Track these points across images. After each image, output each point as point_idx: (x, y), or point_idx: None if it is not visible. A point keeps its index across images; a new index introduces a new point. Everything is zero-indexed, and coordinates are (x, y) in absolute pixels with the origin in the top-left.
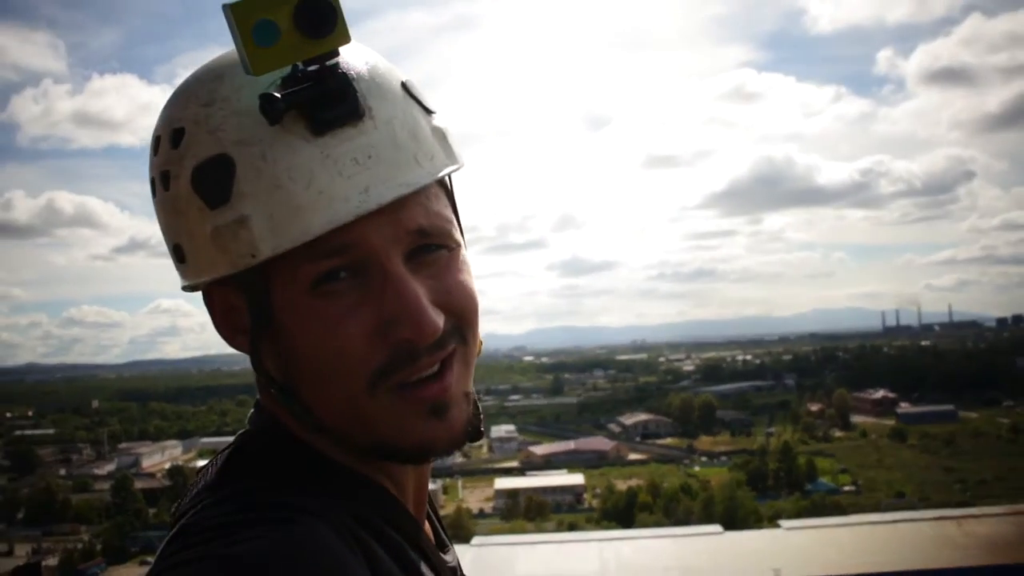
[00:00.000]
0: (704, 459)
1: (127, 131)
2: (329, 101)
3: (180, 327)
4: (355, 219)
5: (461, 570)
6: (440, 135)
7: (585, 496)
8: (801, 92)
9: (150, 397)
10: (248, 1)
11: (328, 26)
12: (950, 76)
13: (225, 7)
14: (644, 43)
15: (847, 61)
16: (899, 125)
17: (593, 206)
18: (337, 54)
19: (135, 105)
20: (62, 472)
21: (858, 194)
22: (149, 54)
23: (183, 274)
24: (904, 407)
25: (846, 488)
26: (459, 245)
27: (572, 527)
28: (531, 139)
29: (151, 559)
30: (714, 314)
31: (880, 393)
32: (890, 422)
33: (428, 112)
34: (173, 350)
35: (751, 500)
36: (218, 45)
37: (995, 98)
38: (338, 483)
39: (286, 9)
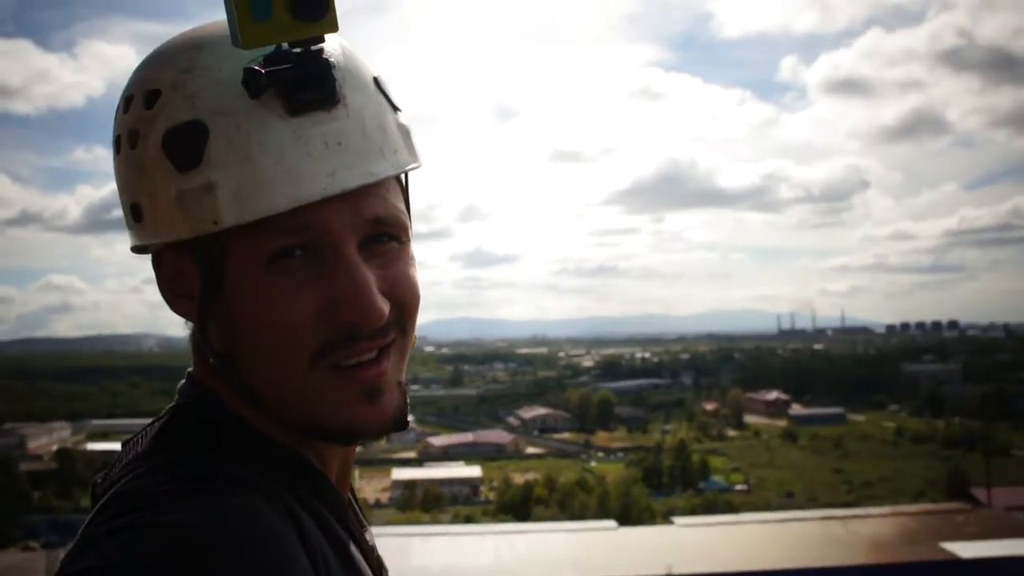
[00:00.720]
0: (601, 455)
1: (21, 98)
2: (308, 84)
3: (72, 304)
4: (319, 200)
5: (376, 550)
6: (404, 132)
7: (482, 489)
8: (707, 94)
9: (38, 376)
10: None
11: (320, 12)
12: (850, 87)
13: None
14: (555, 37)
15: (752, 66)
16: (800, 132)
17: (498, 198)
18: (323, 40)
19: (30, 72)
20: None
21: (758, 197)
22: (47, 19)
23: (137, 234)
24: (796, 409)
25: (738, 487)
26: (409, 239)
27: (468, 519)
28: (439, 127)
29: (34, 544)
30: (615, 311)
31: (773, 394)
32: (782, 423)
33: (395, 109)
34: (64, 328)
35: (646, 497)
36: (120, 14)
37: (891, 110)
38: (270, 457)
39: None
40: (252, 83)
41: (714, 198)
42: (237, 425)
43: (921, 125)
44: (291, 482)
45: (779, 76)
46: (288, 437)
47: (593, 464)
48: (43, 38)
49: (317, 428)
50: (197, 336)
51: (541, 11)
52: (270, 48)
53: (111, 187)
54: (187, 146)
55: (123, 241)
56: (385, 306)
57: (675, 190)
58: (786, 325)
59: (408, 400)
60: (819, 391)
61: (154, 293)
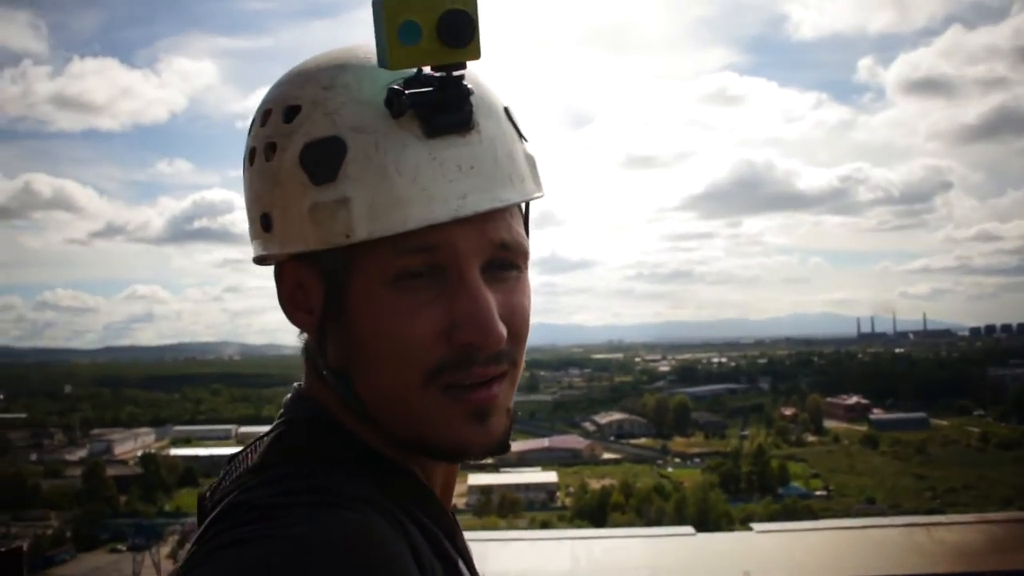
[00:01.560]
0: (677, 460)
1: (107, 115)
2: (447, 108)
3: (155, 314)
4: (448, 222)
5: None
6: (531, 162)
7: (558, 494)
8: (782, 97)
9: (123, 384)
10: (402, 1)
11: (466, 39)
12: (929, 86)
13: (378, 2)
14: (628, 43)
15: (828, 68)
16: (878, 133)
17: (573, 204)
18: (464, 66)
19: (115, 89)
20: (33, 457)
21: (836, 200)
22: (131, 38)
23: (264, 244)
24: (877, 413)
25: (818, 493)
26: (527, 267)
27: (544, 525)
28: None
29: (120, 547)
30: (690, 316)
31: (853, 399)
32: (862, 428)
33: (523, 139)
34: (147, 337)
35: (723, 502)
36: (199, 30)
37: (973, 110)
38: (381, 472)
39: (432, 15)
40: (395, 103)
41: (791, 201)
42: (349, 439)
43: (1005, 123)
44: (401, 498)
45: (856, 77)
46: (396, 453)
47: (670, 469)
48: (127, 56)
49: (424, 445)
50: (312, 349)
51: (613, 17)
52: (411, 71)
53: (191, 199)
54: (325, 160)
55: (203, 251)
56: (504, 331)
57: (751, 194)
58: (866, 328)
59: (513, 425)
60: (901, 396)
61: (235, 302)
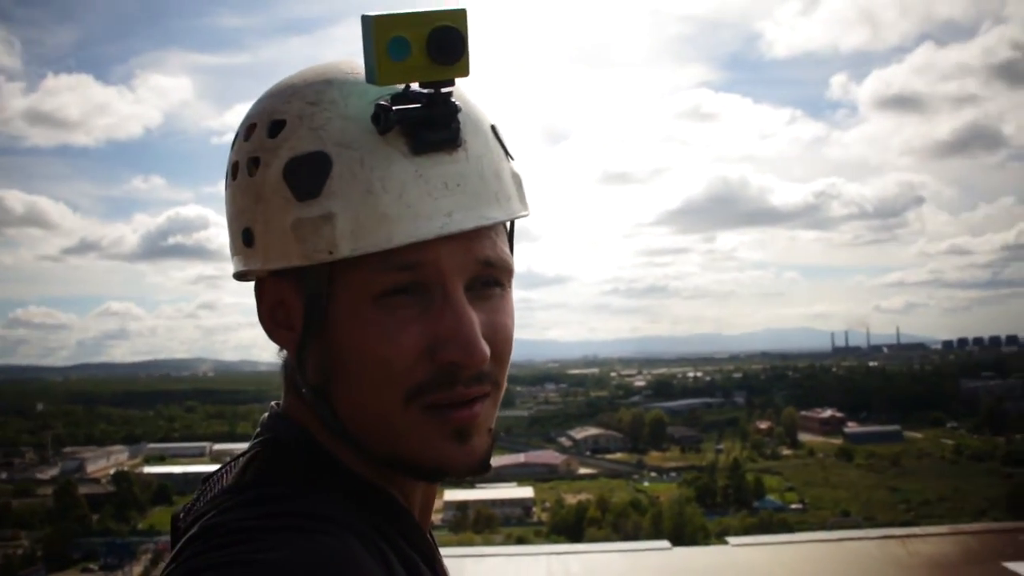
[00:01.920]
0: (653, 474)
1: (81, 131)
2: (434, 125)
3: (129, 331)
4: (435, 239)
5: None
6: (517, 180)
7: (534, 509)
8: (757, 114)
9: (97, 401)
10: (391, 16)
11: (455, 56)
12: (902, 103)
13: (368, 18)
14: (604, 59)
15: (802, 85)
16: (851, 149)
17: (548, 220)
18: (453, 83)
19: (90, 105)
20: (3, 476)
21: (811, 215)
22: (106, 54)
23: (245, 259)
24: (851, 427)
25: (793, 506)
26: (511, 285)
27: (521, 540)
28: None
29: (93, 566)
30: (666, 330)
31: (828, 412)
32: (837, 441)
33: (509, 157)
34: (121, 353)
35: (699, 516)
36: (175, 47)
37: (945, 126)
38: (360, 494)
39: (422, 31)
40: (382, 119)
41: (766, 217)
42: (328, 461)
43: (976, 139)
44: (379, 521)
45: (829, 94)
46: (375, 473)
47: (646, 484)
48: (102, 72)
49: (404, 464)
50: (291, 367)
51: (590, 34)
52: (398, 88)
53: (166, 215)
54: (309, 176)
55: (177, 268)
56: (487, 349)
57: (726, 210)
58: (840, 343)
59: (494, 445)
60: (875, 409)
61: (209, 318)
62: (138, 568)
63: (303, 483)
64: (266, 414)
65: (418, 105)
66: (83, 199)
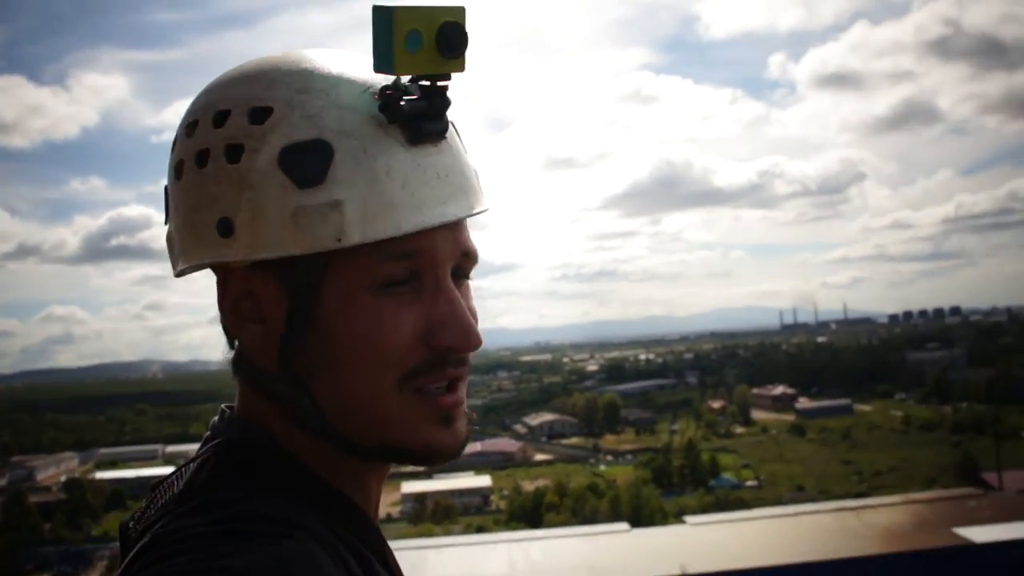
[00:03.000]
0: (609, 458)
1: (16, 133)
2: (430, 117)
3: (74, 335)
4: (431, 228)
5: None
6: (477, 174)
7: (492, 498)
8: (698, 95)
9: (44, 408)
10: (409, 9)
11: (459, 50)
12: (839, 81)
13: (388, 9)
14: (544, 45)
15: (741, 65)
16: (792, 128)
17: (495, 208)
18: (450, 77)
19: (24, 106)
20: None
21: (755, 194)
22: (38, 53)
23: (218, 251)
24: (802, 402)
25: (749, 483)
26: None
27: (480, 529)
28: None
29: None
30: (617, 314)
31: (779, 389)
32: (789, 417)
33: (466, 151)
34: (67, 359)
35: (657, 497)
36: (109, 44)
37: (882, 102)
38: (318, 496)
39: (433, 25)
40: (392, 109)
41: (711, 197)
42: (285, 462)
43: (913, 115)
44: (337, 524)
45: (768, 74)
46: (332, 473)
47: (602, 467)
48: (35, 72)
49: (395, 450)
50: (251, 363)
51: (529, 20)
52: (382, 79)
53: (107, 216)
54: (310, 163)
55: (122, 269)
56: (481, 334)
57: (671, 192)
58: (789, 320)
59: (472, 428)
60: (825, 384)
61: (156, 319)
62: (94, 575)
63: (258, 486)
64: (216, 417)
65: (417, 96)
66: (21, 202)
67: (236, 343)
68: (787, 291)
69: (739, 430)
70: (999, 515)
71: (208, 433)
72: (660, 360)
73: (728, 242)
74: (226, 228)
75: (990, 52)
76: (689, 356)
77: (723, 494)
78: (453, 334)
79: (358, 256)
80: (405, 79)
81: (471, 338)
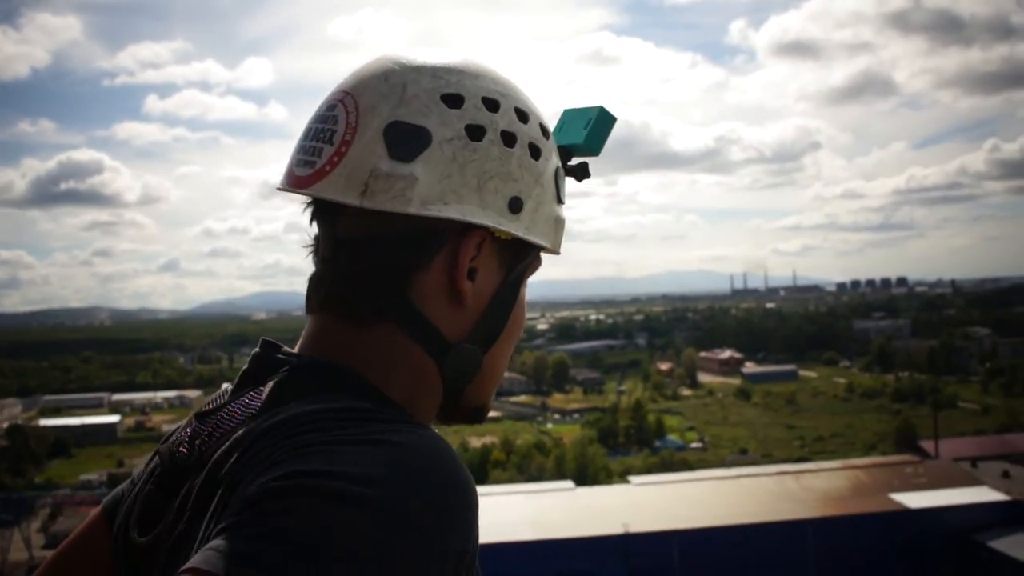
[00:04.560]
0: (557, 416)
1: None
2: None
3: (20, 279)
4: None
5: None
6: None
7: None
8: (659, 58)
9: None
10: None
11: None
12: (798, 49)
13: (613, 117)
14: (502, 4)
15: (702, 29)
16: (750, 95)
17: None
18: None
19: None
20: None
21: (711, 159)
22: None
23: (498, 220)
24: (749, 367)
25: (693, 445)
26: None
27: None
28: None
29: None
30: (568, 274)
31: (727, 353)
32: (736, 381)
33: None
34: (12, 303)
35: (602, 457)
36: None
37: (840, 72)
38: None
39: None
40: (582, 174)
41: (667, 161)
42: (378, 390)
43: (870, 86)
44: None
45: (728, 39)
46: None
47: (550, 426)
48: None
49: (484, 410)
50: (425, 322)
51: None
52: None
53: (57, 160)
54: (562, 188)
55: (70, 214)
56: None
57: (628, 153)
58: (739, 285)
59: None
60: (772, 349)
61: (105, 266)
62: (36, 523)
63: (359, 396)
64: (257, 349)
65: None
66: None
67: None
68: (738, 256)
69: (686, 392)
70: (933, 482)
71: (246, 367)
72: (610, 321)
73: (682, 206)
74: (516, 206)
75: (947, 27)
76: (639, 318)
77: (668, 455)
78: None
79: (536, 261)
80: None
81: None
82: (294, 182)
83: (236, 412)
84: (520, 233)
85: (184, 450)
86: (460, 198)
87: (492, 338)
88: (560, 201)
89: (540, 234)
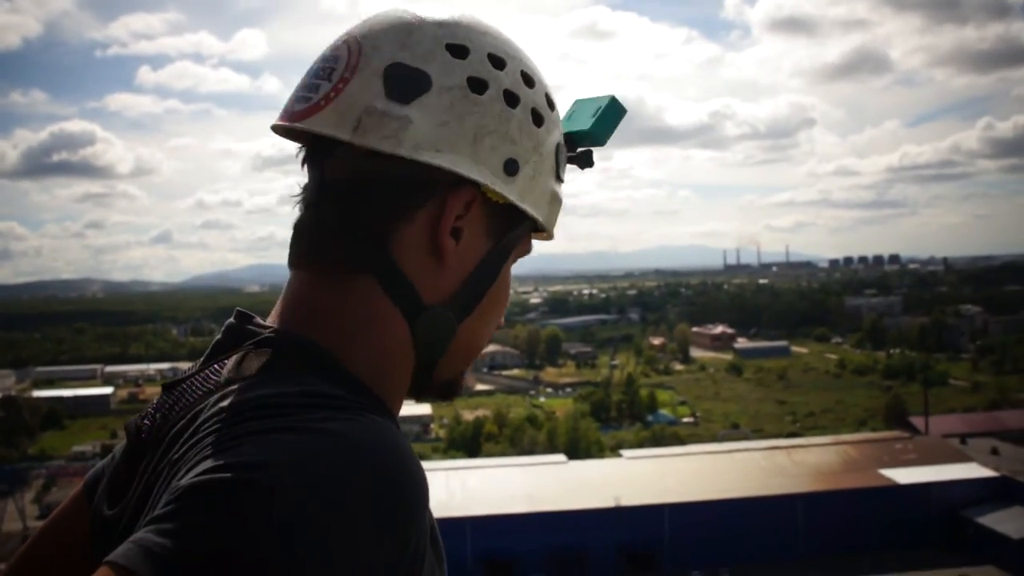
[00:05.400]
0: (549, 390)
1: None
2: (570, 168)
3: (12, 251)
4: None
5: None
6: None
7: (432, 426)
8: (654, 33)
9: None
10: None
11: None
12: (793, 25)
13: (623, 108)
14: None
15: (697, 4)
16: (745, 70)
17: None
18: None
19: None
20: None
21: (705, 135)
22: None
23: (496, 181)
24: (741, 342)
25: (685, 419)
26: None
27: (420, 457)
28: None
29: None
30: (562, 248)
31: (719, 328)
32: (728, 356)
33: None
34: (4, 275)
35: (594, 431)
36: None
37: (835, 49)
38: (372, 400)
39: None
40: (586, 161)
41: (661, 136)
42: (340, 365)
43: (864, 63)
44: None
45: (724, 15)
46: (379, 390)
47: (542, 400)
48: None
49: (456, 386)
50: (402, 276)
51: None
52: (557, 130)
53: (49, 131)
54: (563, 165)
55: (62, 186)
56: None
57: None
58: (732, 260)
59: None
60: (764, 325)
61: (97, 238)
62: (30, 494)
63: (316, 376)
64: (231, 319)
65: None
66: None
67: (376, 250)
68: (732, 232)
69: (678, 367)
70: (923, 458)
71: (219, 337)
72: (603, 295)
73: (676, 181)
74: (512, 168)
75: (943, 5)
76: (632, 292)
77: (659, 429)
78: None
79: (525, 237)
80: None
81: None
82: (288, 116)
83: (197, 386)
84: (513, 198)
85: (148, 423)
86: (454, 148)
87: (469, 306)
88: (559, 178)
89: (534, 205)
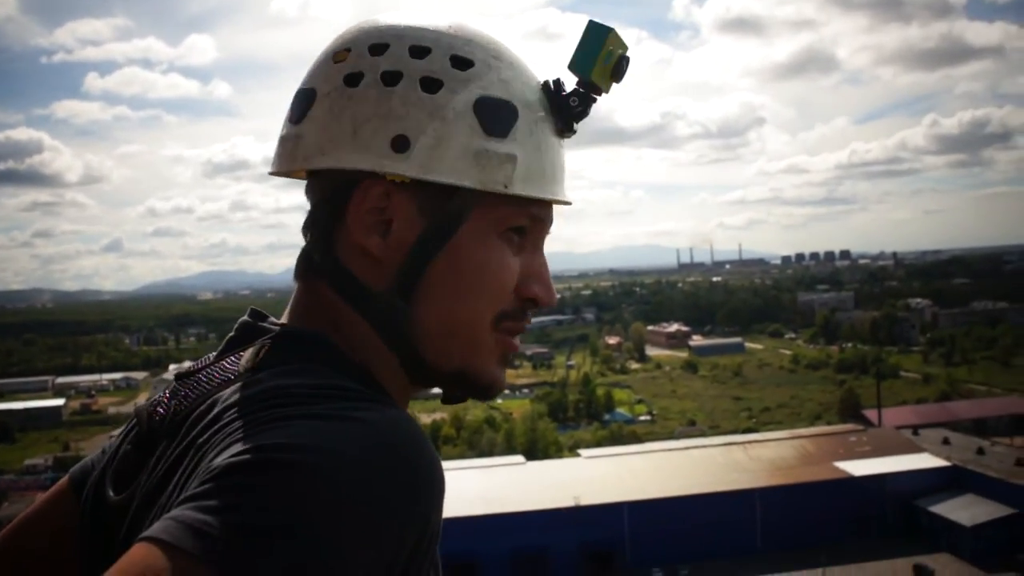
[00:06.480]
0: (506, 392)
1: None
2: (579, 119)
3: None
4: (557, 201)
5: None
6: None
7: None
8: None
9: None
10: (616, 34)
11: (622, 78)
12: (742, 25)
13: (604, 28)
14: None
15: (647, 5)
16: (695, 70)
17: None
18: (600, 95)
19: None
20: None
21: (657, 135)
22: None
23: (382, 162)
24: (696, 340)
25: (642, 418)
26: None
27: None
28: None
29: None
30: None
31: (674, 327)
32: (683, 354)
33: None
34: None
35: (552, 431)
36: None
37: (783, 48)
38: (380, 394)
39: (619, 52)
40: (564, 103)
41: (613, 136)
42: (349, 357)
43: (812, 63)
44: None
45: (673, 16)
46: (384, 382)
47: (499, 401)
48: None
49: (468, 379)
50: (348, 273)
51: None
52: (537, 75)
53: None
54: (500, 119)
55: (9, 195)
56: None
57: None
58: (685, 259)
59: None
60: (718, 322)
61: (46, 247)
62: None
63: (332, 369)
64: (246, 317)
65: (577, 100)
66: None
67: (325, 252)
68: (685, 231)
69: (634, 366)
70: (876, 450)
71: (232, 334)
72: (559, 296)
73: (629, 181)
74: (403, 145)
75: (888, 4)
76: (587, 293)
77: (617, 428)
78: (541, 288)
79: (500, 205)
80: (569, 83)
81: (552, 295)
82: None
83: (215, 375)
84: (412, 173)
85: (161, 411)
86: (336, 146)
87: (408, 288)
88: (490, 134)
89: (448, 172)
